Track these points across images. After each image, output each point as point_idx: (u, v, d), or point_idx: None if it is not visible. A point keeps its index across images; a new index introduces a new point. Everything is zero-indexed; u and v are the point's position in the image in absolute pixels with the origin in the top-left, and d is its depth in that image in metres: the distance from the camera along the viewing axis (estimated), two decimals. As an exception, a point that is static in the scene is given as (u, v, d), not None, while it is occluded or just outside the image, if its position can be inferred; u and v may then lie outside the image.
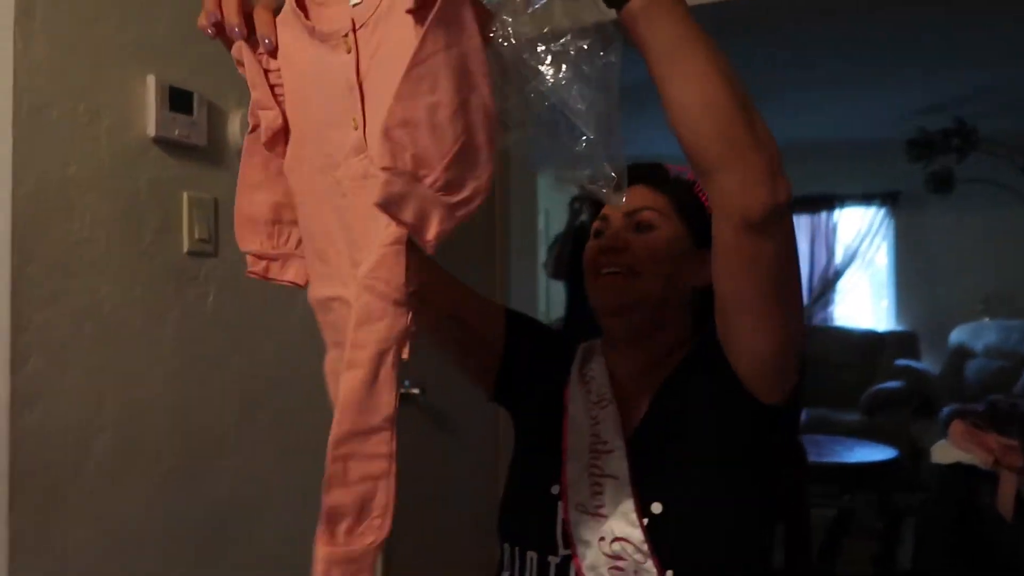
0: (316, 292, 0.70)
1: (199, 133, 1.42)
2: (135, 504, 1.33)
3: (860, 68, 3.94)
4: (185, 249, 1.41)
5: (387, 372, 0.58)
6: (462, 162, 0.57)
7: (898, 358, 5.22)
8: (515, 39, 0.62)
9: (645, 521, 0.83)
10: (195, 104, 1.40)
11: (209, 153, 1.46)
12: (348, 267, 0.64)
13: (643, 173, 0.98)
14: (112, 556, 1.29)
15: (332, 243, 0.67)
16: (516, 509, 0.96)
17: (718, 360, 0.85)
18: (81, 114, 1.26)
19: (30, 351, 1.18)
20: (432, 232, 0.57)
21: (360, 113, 0.62)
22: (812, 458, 3.41)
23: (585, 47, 0.63)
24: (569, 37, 0.63)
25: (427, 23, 0.55)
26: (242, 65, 0.71)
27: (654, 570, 0.81)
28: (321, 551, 0.60)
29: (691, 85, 0.67)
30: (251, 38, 0.70)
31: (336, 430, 0.57)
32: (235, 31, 0.69)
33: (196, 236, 1.41)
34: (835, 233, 5.96)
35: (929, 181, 4.74)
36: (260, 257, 0.74)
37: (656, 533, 0.82)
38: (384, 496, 0.59)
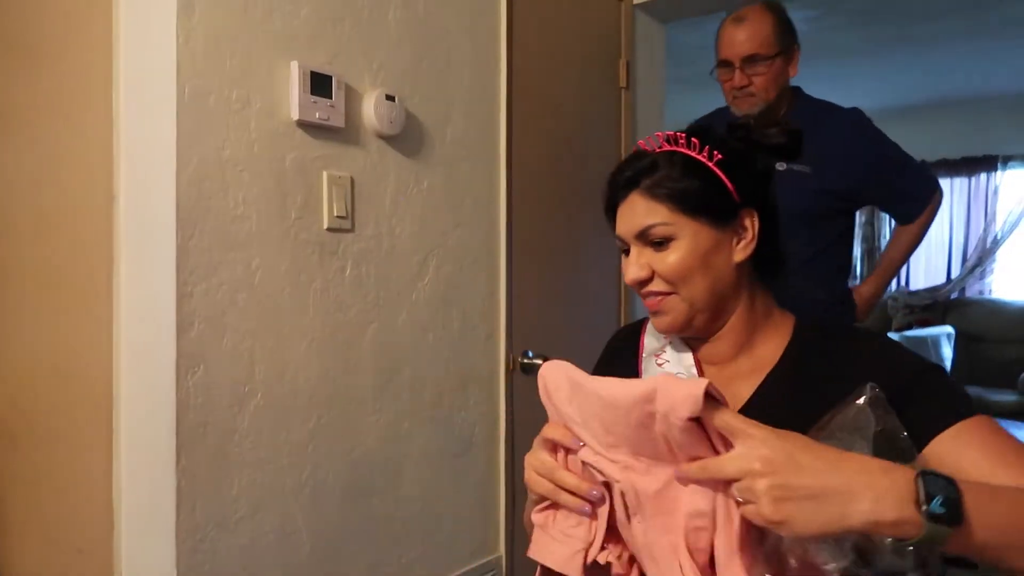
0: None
1: (337, 115, 1.50)
2: (285, 458, 1.45)
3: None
4: (325, 225, 1.50)
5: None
6: None
7: (1066, 334, 4.78)
8: None
9: None
10: (333, 87, 1.48)
11: (346, 134, 1.54)
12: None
13: (629, 178, 0.90)
14: (267, 504, 1.42)
15: None
16: None
17: (823, 347, 0.86)
18: (234, 100, 1.36)
19: (193, 318, 1.31)
20: None
21: None
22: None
23: None
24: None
25: None
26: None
27: None
28: None
29: None
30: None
31: None
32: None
33: (335, 213, 1.50)
34: (996, 196, 5.48)
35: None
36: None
37: None
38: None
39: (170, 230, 1.29)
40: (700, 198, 0.88)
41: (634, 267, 0.90)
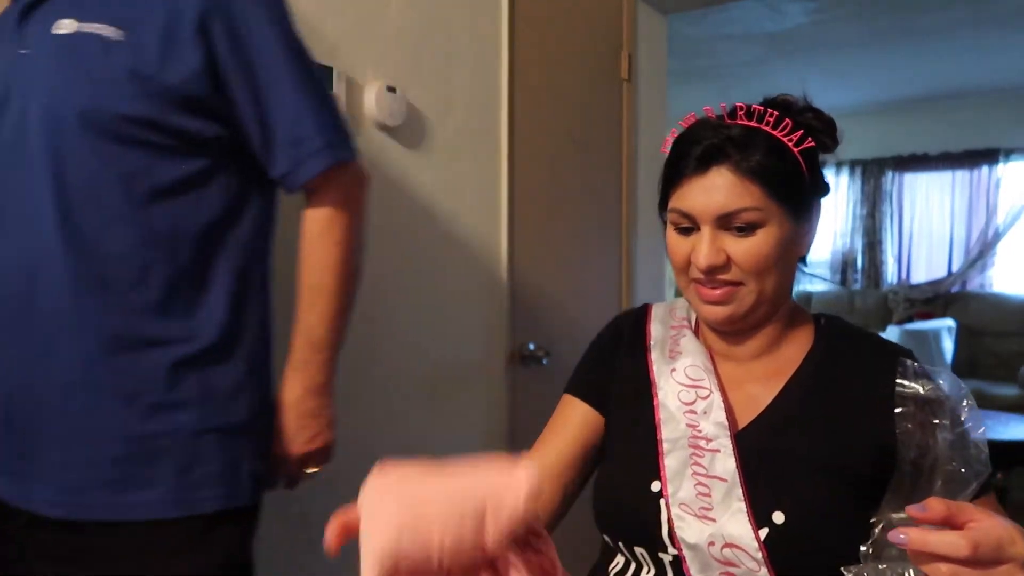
0: None
1: (338, 106, 1.48)
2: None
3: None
4: (327, 216, 1.49)
5: None
6: None
7: (1066, 328, 4.78)
8: None
9: (764, 532, 0.75)
10: (334, 79, 1.48)
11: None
12: None
13: (714, 148, 0.79)
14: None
15: None
16: (617, 504, 0.87)
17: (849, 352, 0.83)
18: (234, 91, 1.35)
19: (194, 310, 1.30)
20: None
21: None
22: (961, 433, 3.19)
23: None
24: None
25: None
26: None
27: None
28: None
29: None
30: None
31: None
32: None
33: (336, 204, 1.48)
34: (997, 189, 5.47)
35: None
36: None
37: (775, 544, 0.75)
38: None
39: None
40: (791, 185, 0.80)
41: (709, 251, 0.79)
